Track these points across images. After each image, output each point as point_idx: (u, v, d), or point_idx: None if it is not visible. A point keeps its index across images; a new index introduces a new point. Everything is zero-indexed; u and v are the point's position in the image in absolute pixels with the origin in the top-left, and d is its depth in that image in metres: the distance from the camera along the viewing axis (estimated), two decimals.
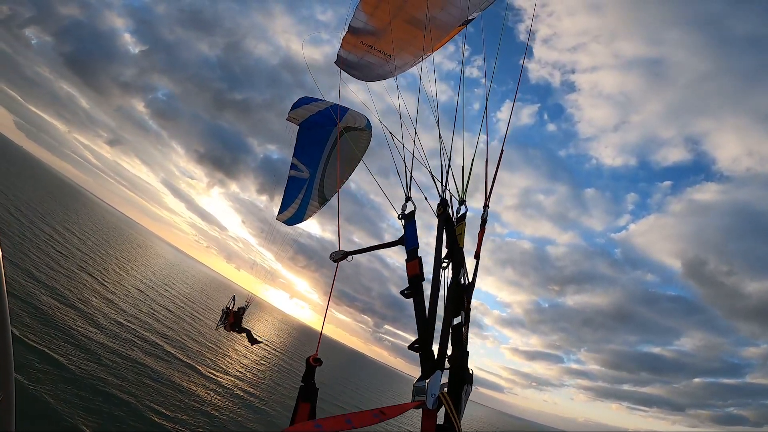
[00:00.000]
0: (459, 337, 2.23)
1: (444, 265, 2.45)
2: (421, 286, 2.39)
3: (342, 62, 6.87)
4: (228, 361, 29.45)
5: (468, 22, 5.71)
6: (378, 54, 6.48)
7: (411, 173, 3.15)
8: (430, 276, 2.41)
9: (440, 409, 1.94)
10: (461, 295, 2.32)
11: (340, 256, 2.77)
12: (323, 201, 9.85)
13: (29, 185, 58.35)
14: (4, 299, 1.27)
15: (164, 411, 15.02)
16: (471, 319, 2.33)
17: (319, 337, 2.70)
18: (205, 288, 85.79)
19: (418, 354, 2.22)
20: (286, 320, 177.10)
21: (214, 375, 23.85)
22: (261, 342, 13.04)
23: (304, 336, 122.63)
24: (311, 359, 2.19)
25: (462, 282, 2.37)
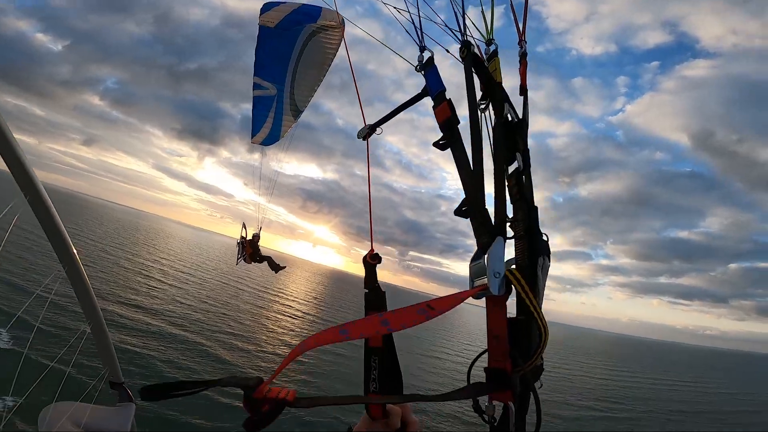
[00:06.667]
0: (519, 189, 1.50)
1: (482, 106, 1.74)
2: (457, 129, 1.61)
3: None
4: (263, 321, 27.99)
5: None
6: None
7: (420, 19, 2.13)
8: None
9: (510, 295, 1.22)
10: (512, 134, 1.62)
11: (366, 131, 2.14)
12: (297, 113, 9.29)
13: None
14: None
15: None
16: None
17: (371, 232, 1.96)
18: (224, 255, 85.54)
19: (469, 221, 1.40)
20: (316, 270, 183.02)
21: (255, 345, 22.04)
22: (284, 267, 12.95)
23: (338, 282, 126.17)
24: (368, 257, 1.64)
25: (510, 119, 1.66)
